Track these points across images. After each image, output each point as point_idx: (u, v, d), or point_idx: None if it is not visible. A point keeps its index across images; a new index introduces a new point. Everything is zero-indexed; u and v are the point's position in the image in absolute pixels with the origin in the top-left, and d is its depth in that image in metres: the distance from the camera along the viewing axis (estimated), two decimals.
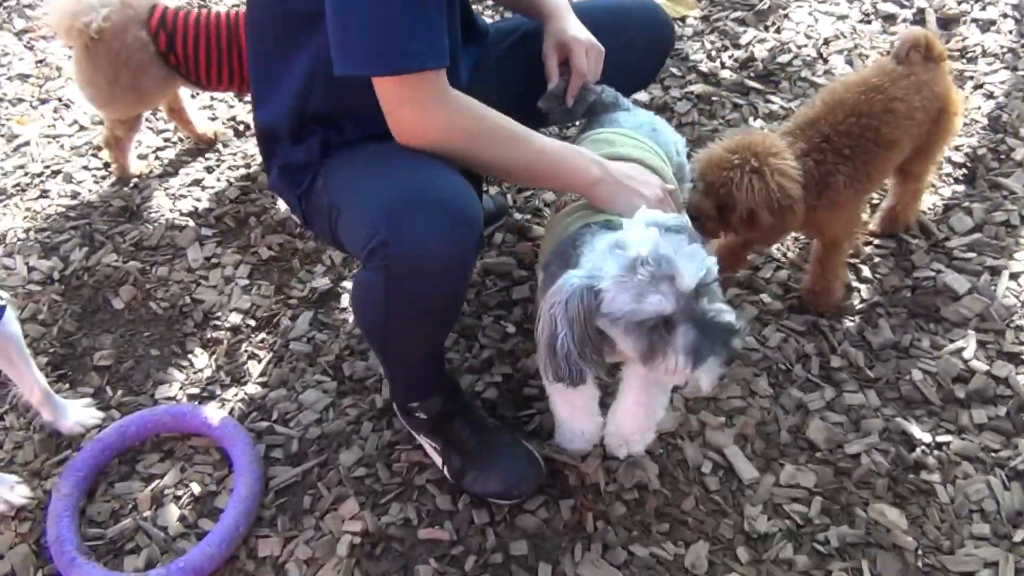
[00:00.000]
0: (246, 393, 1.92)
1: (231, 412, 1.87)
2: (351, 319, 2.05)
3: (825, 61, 2.64)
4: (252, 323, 2.08)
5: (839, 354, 1.87)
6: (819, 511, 1.62)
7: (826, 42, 2.69)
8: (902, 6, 2.80)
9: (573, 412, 1.65)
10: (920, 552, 1.55)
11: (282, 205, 2.35)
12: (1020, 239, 2.06)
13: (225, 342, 2.04)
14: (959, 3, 2.77)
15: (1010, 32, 2.65)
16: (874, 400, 1.78)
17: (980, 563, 1.52)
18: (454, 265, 1.39)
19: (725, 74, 2.65)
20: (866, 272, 2.02)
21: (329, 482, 1.72)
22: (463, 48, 1.73)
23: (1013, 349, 1.84)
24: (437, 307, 1.48)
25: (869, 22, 2.76)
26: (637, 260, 1.17)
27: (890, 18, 2.76)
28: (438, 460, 1.71)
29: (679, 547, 1.58)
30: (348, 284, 2.13)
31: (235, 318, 2.08)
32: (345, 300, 2.10)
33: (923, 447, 1.69)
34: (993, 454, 1.68)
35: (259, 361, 1.99)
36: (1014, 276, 1.98)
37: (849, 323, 1.93)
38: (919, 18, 2.74)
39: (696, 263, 1.18)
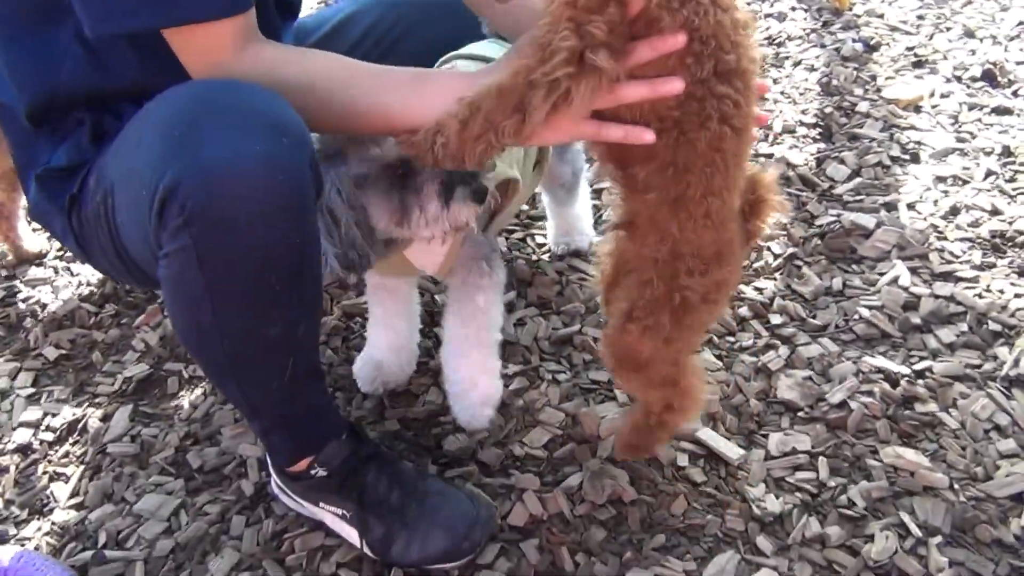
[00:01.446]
0: (54, 523, 1.38)
1: (37, 550, 1.32)
2: (186, 402, 1.57)
3: None
4: (48, 437, 1.54)
5: (776, 310, 1.64)
6: (829, 473, 1.33)
7: None
8: None
9: (383, 327, 1.47)
10: (956, 487, 1.29)
11: (65, 294, 1.84)
12: (898, 176, 1.98)
13: (12, 468, 1.48)
14: (748, 3, 2.82)
15: (804, 19, 2.70)
16: (832, 347, 1.55)
17: None
18: (283, 192, 0.95)
19: None
20: (767, 229, 1.83)
21: None
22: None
23: (944, 269, 1.69)
24: (284, 266, 1.00)
25: None
26: None
27: None
28: (350, 533, 1.26)
29: (687, 560, 1.23)
30: (172, 366, 1.65)
31: (22, 435, 1.54)
32: (173, 384, 1.62)
33: (906, 378, 1.47)
34: (978, 370, 1.48)
35: (65, 480, 1.46)
36: (911, 206, 1.87)
37: (770, 281, 1.71)
38: None
39: None
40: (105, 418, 1.56)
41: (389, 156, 1.12)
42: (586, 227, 1.81)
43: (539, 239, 1.87)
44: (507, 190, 1.31)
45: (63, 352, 1.71)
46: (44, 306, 1.83)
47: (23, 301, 1.85)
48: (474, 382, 1.39)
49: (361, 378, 1.52)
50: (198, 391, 1.59)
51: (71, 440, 1.53)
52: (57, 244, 1.99)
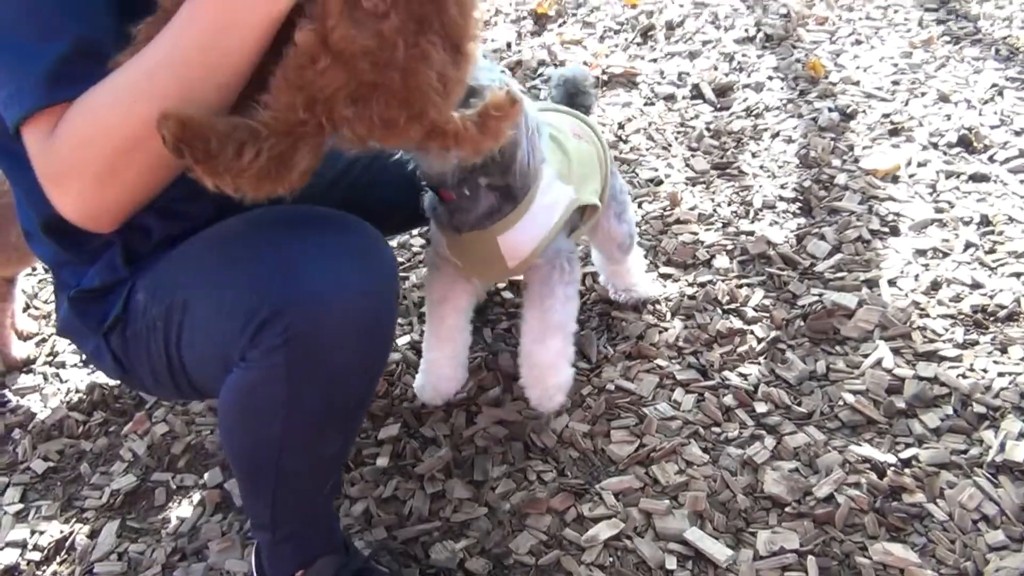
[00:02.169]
0: None
1: None
2: (173, 515, 1.57)
3: (626, 141, 2.58)
4: (35, 556, 1.53)
5: (760, 398, 1.64)
6: (818, 572, 1.32)
7: (621, 126, 2.65)
8: (677, 86, 2.84)
9: (438, 345, 1.57)
10: None
11: (54, 403, 1.85)
12: (878, 250, 1.99)
13: None
14: (727, 75, 2.86)
15: (781, 88, 2.75)
16: (818, 435, 1.55)
17: (1015, 573, 1.27)
18: (376, 322, 1.04)
19: None
20: (750, 312, 1.85)
21: None
22: None
23: (927, 348, 1.70)
24: (357, 390, 1.10)
25: (653, 104, 2.77)
26: None
27: (670, 98, 2.78)
28: None
29: None
30: (160, 476, 1.65)
31: (9, 556, 1.53)
32: (160, 496, 1.61)
33: (893, 468, 1.46)
34: (963, 455, 1.48)
35: None
36: (892, 282, 1.88)
37: (755, 366, 1.72)
38: (695, 93, 2.78)
39: None
40: (92, 534, 1.55)
41: None
42: (646, 277, 1.93)
43: None
44: (585, 212, 1.53)
45: (51, 464, 1.71)
46: (33, 416, 1.83)
47: (12, 411, 1.85)
48: (552, 367, 1.50)
49: (424, 393, 1.63)
50: (185, 503, 1.59)
51: (58, 559, 1.52)
52: (47, 350, 2.01)
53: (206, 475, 1.63)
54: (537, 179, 1.39)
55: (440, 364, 1.59)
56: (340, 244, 1.03)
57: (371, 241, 1.06)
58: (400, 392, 1.75)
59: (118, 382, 1.84)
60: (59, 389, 1.90)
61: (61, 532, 1.56)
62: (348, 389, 1.08)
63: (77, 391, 1.88)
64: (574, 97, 1.73)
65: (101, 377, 1.89)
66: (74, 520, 1.59)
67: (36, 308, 2.17)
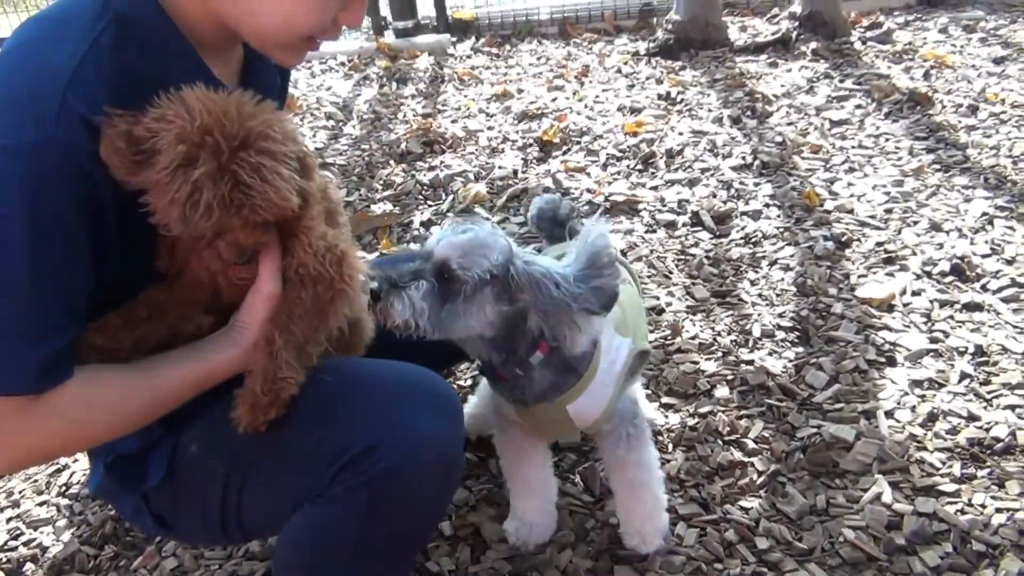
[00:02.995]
0: None
1: None
2: None
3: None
4: None
5: (762, 533, 1.66)
6: None
7: (624, 253, 2.74)
8: (678, 213, 2.95)
9: (527, 496, 1.65)
10: None
11: (66, 537, 1.87)
12: (875, 380, 2.04)
13: None
14: (725, 202, 2.97)
15: (777, 216, 2.85)
16: (819, 573, 1.56)
17: None
18: (453, 463, 1.17)
19: None
20: (750, 444, 1.88)
21: None
22: None
23: (925, 482, 1.72)
24: (425, 529, 1.22)
25: (654, 231, 2.87)
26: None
27: (671, 225, 2.88)
28: None
29: None
30: None
31: None
32: None
33: None
34: None
35: None
36: (889, 414, 1.92)
37: (756, 500, 1.74)
38: (695, 220, 2.89)
39: (456, 247, 1.26)
40: None
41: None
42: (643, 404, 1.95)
43: None
44: (643, 359, 1.62)
45: None
46: (45, 549, 1.86)
47: (25, 544, 1.88)
48: (648, 518, 1.60)
49: (516, 539, 1.67)
50: None
51: None
52: (61, 481, 2.05)
53: None
54: (598, 346, 1.44)
55: (530, 512, 1.66)
56: (419, 389, 1.14)
57: (443, 387, 1.17)
58: None
59: None
60: (71, 522, 1.93)
61: None
62: (418, 528, 1.16)
63: (88, 523, 1.91)
64: (561, 225, 1.78)
65: (113, 511, 1.92)
66: None
67: None
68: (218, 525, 1.22)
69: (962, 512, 1.65)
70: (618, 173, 3.32)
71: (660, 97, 4.03)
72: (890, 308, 2.31)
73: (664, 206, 3.01)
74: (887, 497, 1.69)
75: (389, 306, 1.22)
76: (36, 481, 2.06)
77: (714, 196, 3.03)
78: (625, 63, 4.64)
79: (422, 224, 3.07)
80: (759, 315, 2.33)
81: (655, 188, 3.16)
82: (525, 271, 1.28)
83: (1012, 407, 1.90)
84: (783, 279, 2.50)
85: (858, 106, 3.67)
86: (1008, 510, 1.64)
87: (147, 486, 1.23)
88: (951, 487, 1.71)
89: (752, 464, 1.83)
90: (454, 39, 5.56)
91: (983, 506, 1.66)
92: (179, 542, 1.77)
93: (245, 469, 1.17)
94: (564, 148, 3.60)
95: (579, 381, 1.42)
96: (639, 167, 3.34)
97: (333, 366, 1.19)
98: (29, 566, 1.82)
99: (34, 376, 0.99)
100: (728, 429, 1.93)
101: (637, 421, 1.54)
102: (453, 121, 4.06)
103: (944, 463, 1.77)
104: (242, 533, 1.24)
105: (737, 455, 1.86)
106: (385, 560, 1.16)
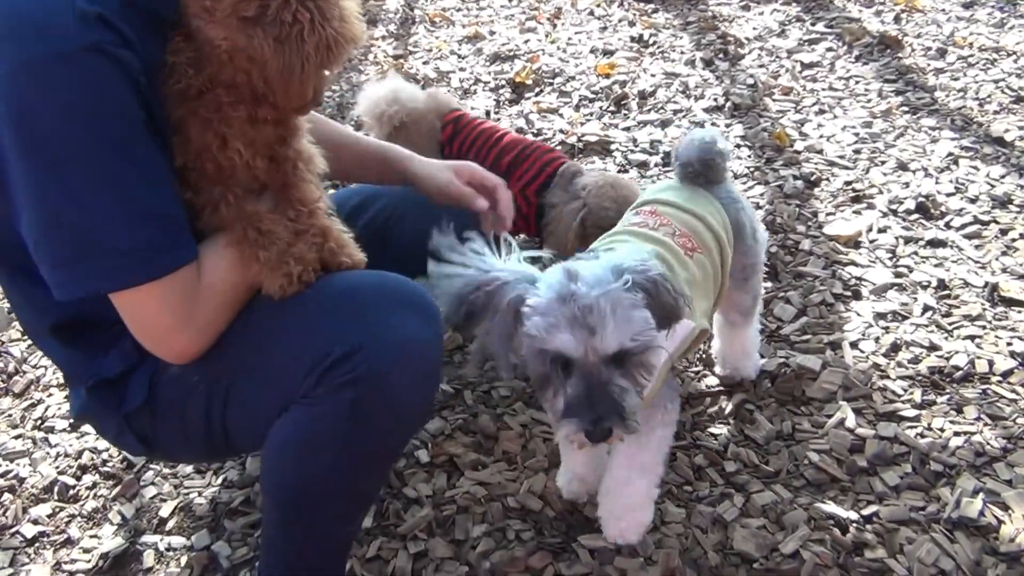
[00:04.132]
0: None
1: None
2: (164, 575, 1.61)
3: None
4: None
5: (730, 457, 1.71)
6: None
7: None
8: (650, 154, 2.97)
9: (578, 453, 1.57)
10: None
11: (45, 469, 1.88)
12: (841, 313, 2.09)
13: None
14: None
15: (748, 156, 2.87)
16: (784, 493, 1.62)
17: None
18: (435, 366, 1.19)
19: None
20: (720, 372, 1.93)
21: None
22: None
23: (887, 408, 1.78)
24: (409, 429, 1.24)
25: (626, 171, 2.88)
26: (571, 295, 1.08)
27: (643, 165, 2.90)
28: None
29: None
30: (148, 539, 1.69)
31: None
32: (149, 558, 1.65)
33: (855, 524, 1.53)
34: (921, 512, 1.55)
35: None
36: (854, 344, 1.98)
37: (724, 427, 1.79)
38: (667, 161, 2.90)
39: (624, 329, 1.10)
40: None
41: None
42: (755, 354, 1.89)
43: (503, 390, 1.95)
44: (700, 337, 1.47)
45: (40, 529, 1.75)
46: (22, 480, 1.87)
47: (2, 476, 1.89)
48: (637, 508, 1.48)
49: (568, 491, 1.64)
50: (173, 565, 1.63)
51: None
52: (36, 415, 2.05)
53: (194, 537, 1.67)
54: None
55: (580, 466, 1.61)
56: (399, 294, 1.17)
57: (422, 293, 1.19)
58: None
59: (111, 447, 1.89)
60: (48, 454, 1.94)
61: None
62: (403, 428, 1.19)
63: (66, 455, 1.92)
64: (707, 172, 1.62)
65: (90, 441, 1.93)
66: None
67: (23, 373, 2.21)
68: (203, 440, 1.24)
69: (922, 436, 1.71)
70: (591, 114, 3.32)
71: (633, 39, 4.01)
72: (857, 245, 2.36)
73: (636, 147, 3.02)
74: (851, 422, 1.75)
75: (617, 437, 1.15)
76: (10, 416, 2.06)
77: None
78: (598, 5, 4.60)
79: None
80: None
81: (627, 129, 3.16)
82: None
83: (971, 337, 1.96)
84: None
85: (829, 49, 3.68)
86: (965, 433, 1.70)
87: (129, 408, 1.24)
88: (912, 412, 1.77)
89: (722, 393, 1.88)
90: None
91: (942, 430, 1.72)
92: (164, 461, 1.79)
93: (228, 380, 1.18)
94: (537, 89, 3.59)
95: None
96: (611, 108, 3.34)
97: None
98: (7, 496, 1.83)
99: (190, 246, 1.11)
100: (700, 361, 1.98)
101: (675, 400, 1.47)
102: (425, 63, 4.02)
103: (906, 390, 1.83)
104: (227, 446, 1.27)
105: (708, 384, 1.91)
106: (368, 461, 1.19)
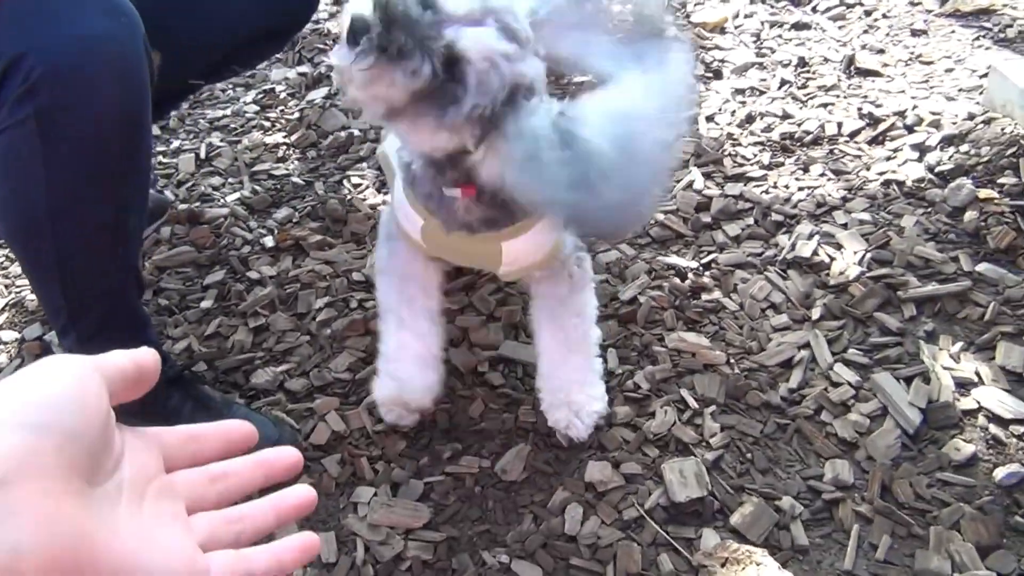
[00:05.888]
0: None
1: None
2: None
3: None
4: None
5: None
6: (618, 362, 1.40)
7: None
8: None
9: (401, 335, 1.25)
10: (732, 361, 1.38)
11: None
12: (700, 92, 2.06)
13: None
14: None
15: None
16: (629, 251, 1.62)
17: (793, 347, 1.38)
18: (126, 67, 1.03)
19: None
20: None
21: None
22: None
23: (736, 171, 1.78)
24: (116, 144, 1.06)
25: None
26: None
27: None
28: None
29: (483, 457, 1.28)
30: None
31: None
32: None
33: (694, 271, 1.55)
34: (759, 257, 1.57)
35: None
36: (709, 118, 1.96)
37: None
38: None
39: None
40: None
41: None
42: None
43: (355, 179, 1.89)
44: None
45: None
46: None
47: None
48: (580, 383, 1.26)
49: (384, 403, 1.31)
50: (4, 357, 1.57)
51: None
52: None
53: (25, 331, 1.61)
54: None
55: (406, 365, 1.26)
56: None
57: None
58: (227, 242, 1.74)
59: None
60: None
61: None
62: (106, 142, 1.05)
63: None
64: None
65: None
66: None
67: None
68: None
69: (766, 192, 1.72)
70: None
71: None
72: (722, 31, 2.31)
73: None
74: (699, 184, 1.75)
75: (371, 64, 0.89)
76: None
77: None
78: None
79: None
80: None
81: None
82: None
83: (824, 105, 1.96)
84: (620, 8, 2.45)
85: None
86: (809, 188, 1.72)
87: None
88: (759, 173, 1.77)
89: None
90: None
91: (787, 187, 1.73)
92: None
93: None
94: None
95: (523, 220, 1.14)
96: None
97: None
98: None
99: None
100: None
101: (583, 260, 1.27)
102: None
103: (756, 155, 1.83)
104: None
105: None
106: (83, 182, 1.07)
